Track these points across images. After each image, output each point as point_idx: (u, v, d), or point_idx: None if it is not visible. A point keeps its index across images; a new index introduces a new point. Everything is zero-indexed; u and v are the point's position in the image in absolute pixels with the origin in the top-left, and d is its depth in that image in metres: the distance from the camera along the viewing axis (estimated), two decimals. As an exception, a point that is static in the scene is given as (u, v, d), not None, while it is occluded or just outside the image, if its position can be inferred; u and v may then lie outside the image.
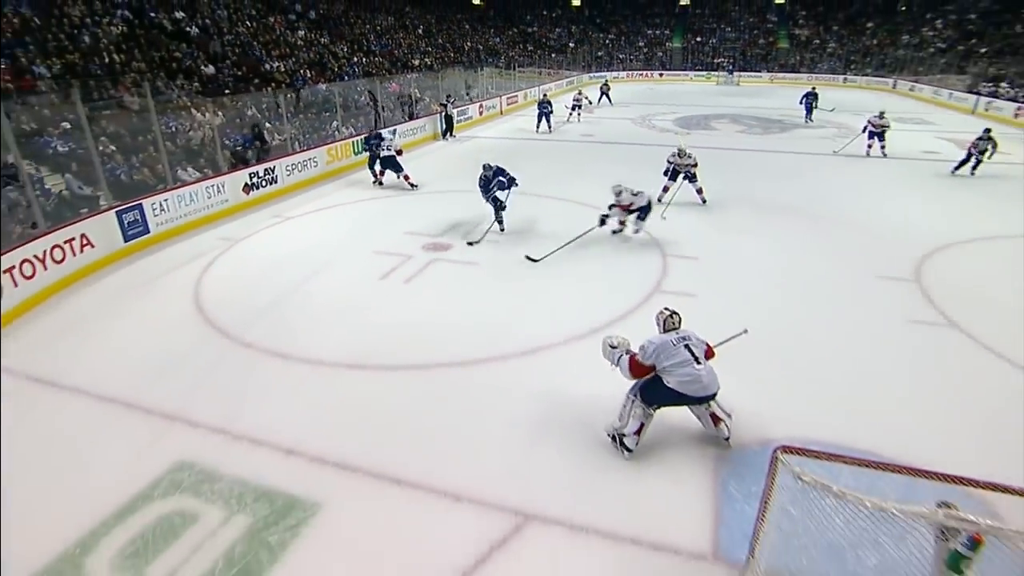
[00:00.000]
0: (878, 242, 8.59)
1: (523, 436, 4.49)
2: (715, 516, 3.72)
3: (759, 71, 40.29)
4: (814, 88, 21.48)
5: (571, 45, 43.77)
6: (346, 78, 20.11)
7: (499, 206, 8.92)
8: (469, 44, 35.07)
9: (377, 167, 11.92)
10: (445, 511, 3.80)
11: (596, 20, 47.12)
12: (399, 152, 11.90)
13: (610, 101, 25.40)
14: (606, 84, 26.68)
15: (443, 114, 17.66)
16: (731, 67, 40.68)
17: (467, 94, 21.45)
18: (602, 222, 8.34)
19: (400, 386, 5.20)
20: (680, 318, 4.27)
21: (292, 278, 7.45)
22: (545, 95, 21.02)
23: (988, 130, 12.63)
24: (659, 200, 10.02)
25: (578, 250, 8.26)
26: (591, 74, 39.33)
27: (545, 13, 47.18)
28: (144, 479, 4.02)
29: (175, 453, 4.27)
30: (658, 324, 4.31)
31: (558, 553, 3.50)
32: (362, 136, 13.75)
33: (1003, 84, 23.47)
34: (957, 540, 2.42)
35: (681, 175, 10.39)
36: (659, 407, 4.18)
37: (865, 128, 14.93)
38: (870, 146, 14.78)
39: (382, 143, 11.77)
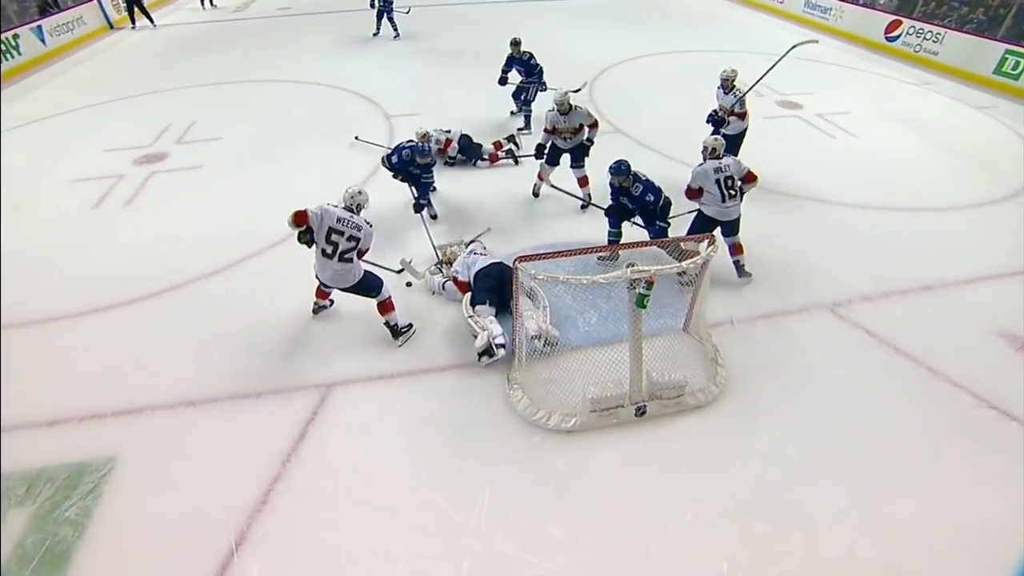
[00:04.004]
0: (562, 70, 9.05)
1: (305, 320, 4.19)
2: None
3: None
4: None
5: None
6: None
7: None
8: None
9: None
10: (252, 410, 3.51)
11: None
12: None
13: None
14: None
15: None
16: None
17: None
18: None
19: (158, 313, 4.32)
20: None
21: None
22: None
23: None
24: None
25: (312, 129, 7.36)
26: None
27: None
28: None
29: None
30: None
31: (363, 403, 3.54)
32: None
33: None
34: (640, 286, 3.01)
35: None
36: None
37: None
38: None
39: None
